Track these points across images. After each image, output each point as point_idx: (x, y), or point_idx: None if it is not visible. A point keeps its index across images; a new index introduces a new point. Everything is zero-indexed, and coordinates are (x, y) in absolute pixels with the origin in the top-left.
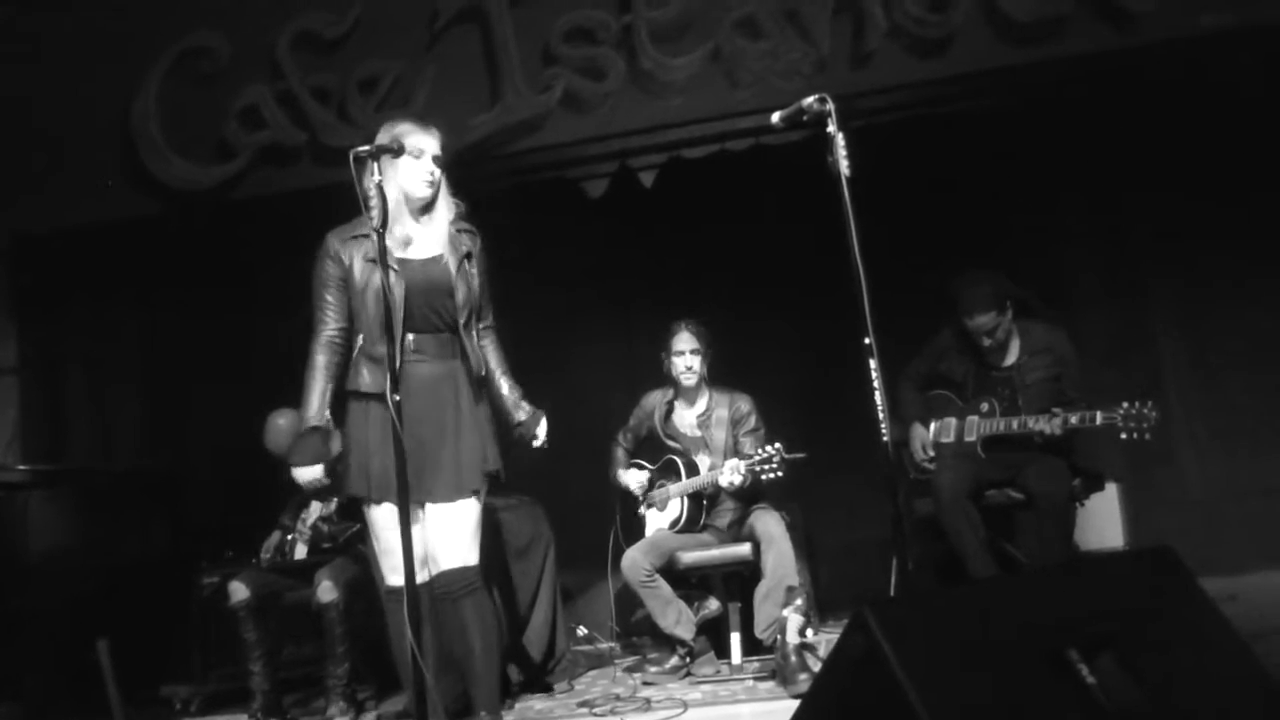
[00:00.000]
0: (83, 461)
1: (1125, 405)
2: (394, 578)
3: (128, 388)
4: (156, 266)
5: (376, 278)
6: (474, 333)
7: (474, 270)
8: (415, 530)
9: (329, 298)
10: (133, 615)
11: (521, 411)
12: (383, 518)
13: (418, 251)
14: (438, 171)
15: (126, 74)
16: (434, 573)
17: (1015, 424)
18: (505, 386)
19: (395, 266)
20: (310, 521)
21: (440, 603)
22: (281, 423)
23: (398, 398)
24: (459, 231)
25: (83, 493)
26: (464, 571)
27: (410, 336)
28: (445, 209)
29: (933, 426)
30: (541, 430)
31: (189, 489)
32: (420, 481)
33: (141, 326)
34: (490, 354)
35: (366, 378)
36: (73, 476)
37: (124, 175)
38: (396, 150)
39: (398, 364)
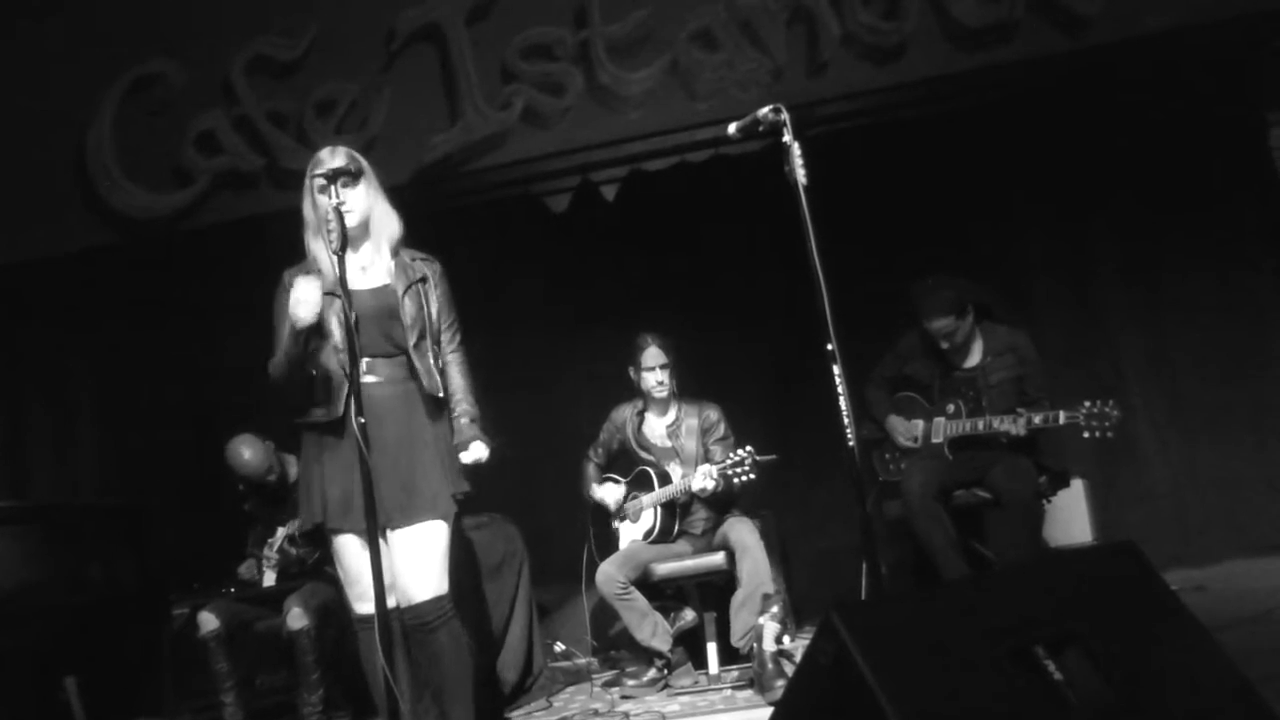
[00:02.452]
0: (45, 497)
1: (1087, 404)
2: (360, 605)
3: (89, 420)
4: (115, 296)
5: (328, 308)
6: (429, 354)
7: (430, 295)
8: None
9: (287, 327)
10: (101, 651)
11: (462, 434)
12: (344, 546)
13: (368, 280)
14: (348, 197)
15: (80, 103)
16: (402, 604)
17: (980, 425)
18: (460, 408)
19: (339, 294)
20: (277, 545)
21: (414, 634)
22: (246, 453)
23: (363, 420)
24: (412, 260)
25: (46, 528)
26: (437, 603)
27: (364, 360)
28: (388, 236)
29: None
30: (469, 455)
31: (154, 521)
32: (379, 506)
33: (101, 357)
34: (453, 376)
35: (316, 410)
36: (35, 512)
37: (80, 205)
38: (355, 173)
39: (350, 388)
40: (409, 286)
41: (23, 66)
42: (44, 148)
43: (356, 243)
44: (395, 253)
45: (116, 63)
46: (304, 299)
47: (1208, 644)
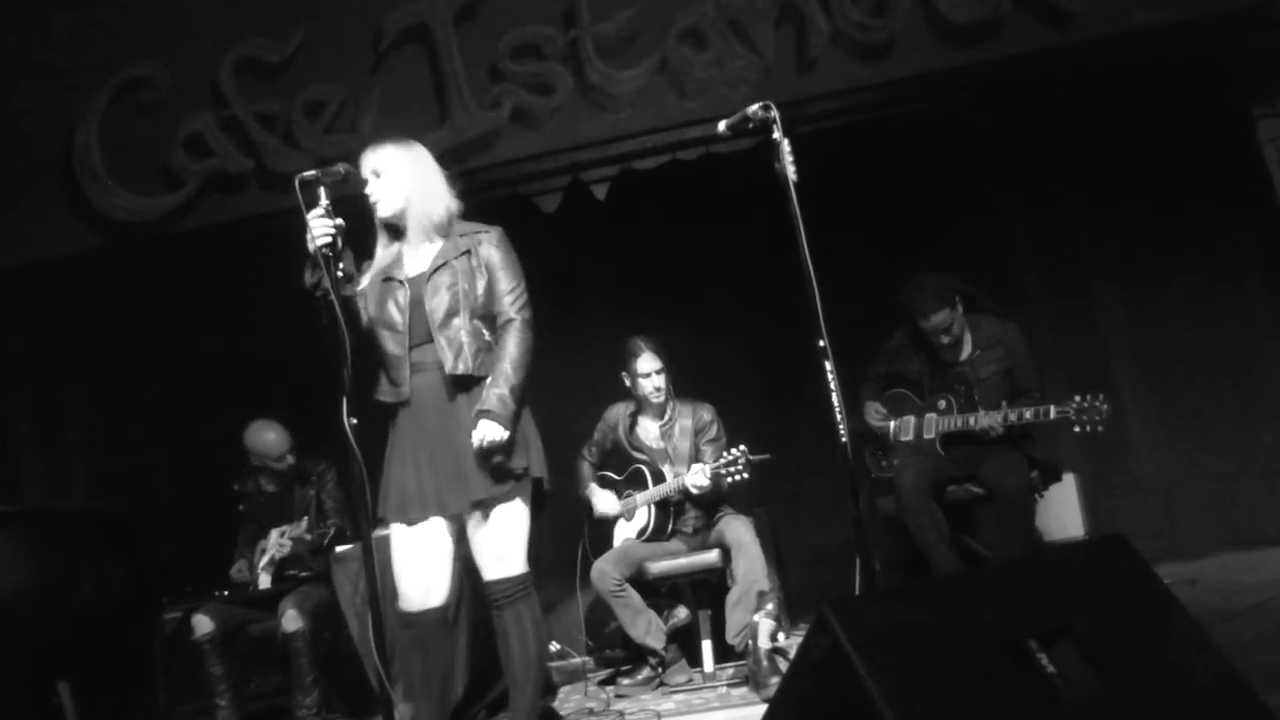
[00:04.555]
0: (36, 501)
1: (1077, 399)
2: (401, 601)
3: (78, 424)
4: (104, 300)
5: (387, 293)
6: (460, 332)
7: (476, 267)
8: (444, 548)
9: None
10: (94, 655)
11: (478, 408)
12: (397, 538)
13: (411, 269)
14: (374, 192)
15: (66, 107)
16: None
17: (972, 420)
18: (494, 375)
19: (402, 280)
20: (272, 544)
21: (489, 610)
22: (271, 435)
23: (354, 421)
24: (462, 235)
25: (38, 533)
26: (501, 584)
27: (413, 350)
28: (428, 221)
29: (892, 425)
30: (475, 436)
31: (146, 525)
32: (440, 496)
33: (90, 361)
34: (504, 343)
35: (383, 386)
36: (26, 517)
37: (67, 209)
38: (342, 176)
39: (346, 386)
40: (441, 265)
41: (7, 70)
42: (30, 152)
43: (399, 233)
44: (445, 234)
45: (103, 65)
46: (316, 227)
47: (1199, 636)
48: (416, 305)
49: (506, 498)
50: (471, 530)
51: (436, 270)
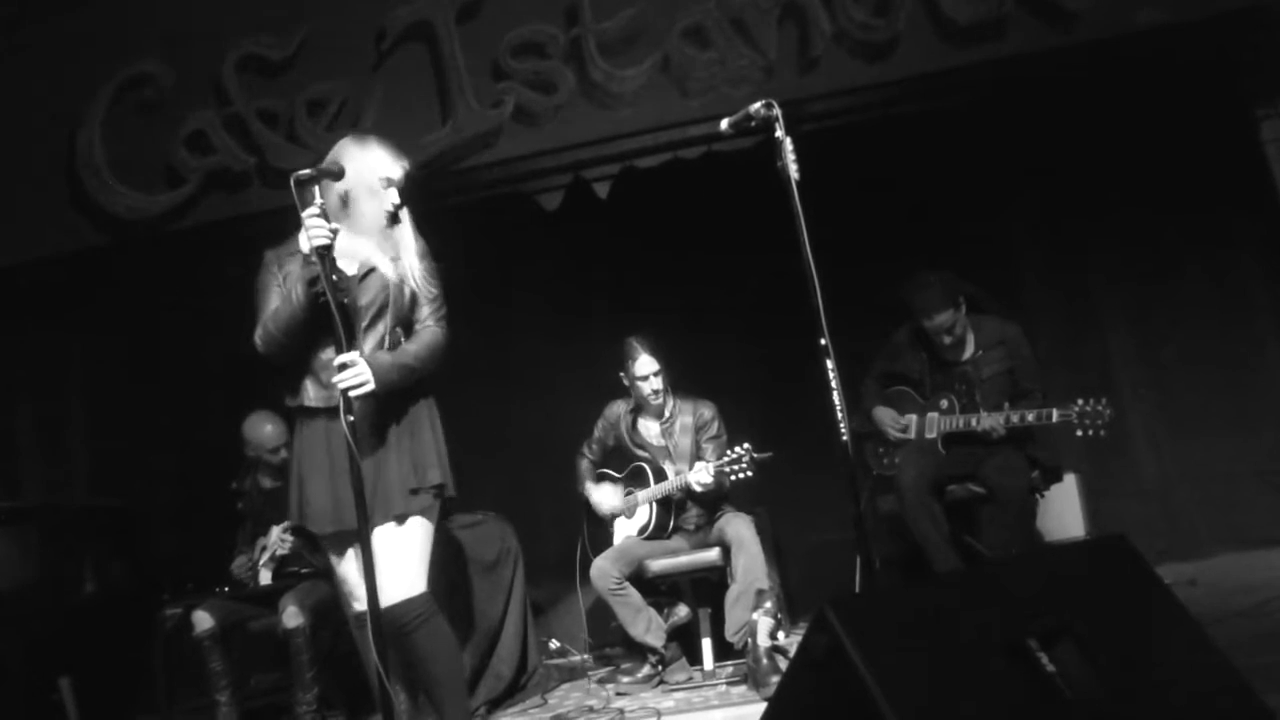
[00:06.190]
0: (37, 498)
1: (1080, 403)
2: (353, 603)
3: (80, 421)
4: (107, 296)
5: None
6: (384, 336)
7: (402, 271)
8: (352, 554)
9: (271, 300)
10: (95, 651)
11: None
12: (332, 545)
13: (350, 267)
14: (398, 199)
15: (69, 105)
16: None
17: (974, 421)
18: (398, 352)
19: (342, 283)
20: (283, 540)
21: (395, 636)
22: (269, 427)
23: (352, 418)
24: (387, 239)
25: (38, 529)
26: (409, 604)
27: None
28: (368, 223)
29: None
30: (350, 367)
31: (146, 521)
32: (344, 506)
33: (92, 358)
34: (415, 338)
35: (310, 392)
36: (27, 514)
37: (70, 207)
38: (338, 174)
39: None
40: (373, 269)
41: (10, 68)
42: (33, 150)
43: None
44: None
45: (106, 63)
46: (312, 225)
47: (1199, 636)
48: (351, 305)
49: (420, 513)
50: (378, 545)
51: (369, 273)
